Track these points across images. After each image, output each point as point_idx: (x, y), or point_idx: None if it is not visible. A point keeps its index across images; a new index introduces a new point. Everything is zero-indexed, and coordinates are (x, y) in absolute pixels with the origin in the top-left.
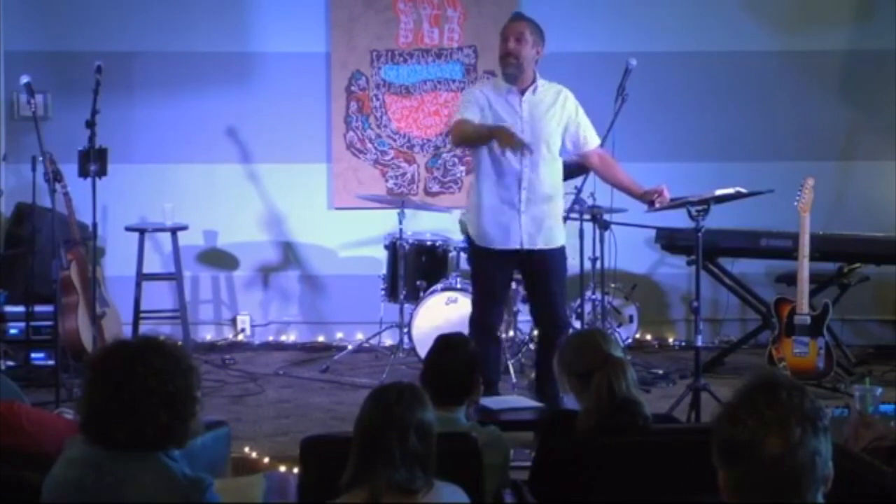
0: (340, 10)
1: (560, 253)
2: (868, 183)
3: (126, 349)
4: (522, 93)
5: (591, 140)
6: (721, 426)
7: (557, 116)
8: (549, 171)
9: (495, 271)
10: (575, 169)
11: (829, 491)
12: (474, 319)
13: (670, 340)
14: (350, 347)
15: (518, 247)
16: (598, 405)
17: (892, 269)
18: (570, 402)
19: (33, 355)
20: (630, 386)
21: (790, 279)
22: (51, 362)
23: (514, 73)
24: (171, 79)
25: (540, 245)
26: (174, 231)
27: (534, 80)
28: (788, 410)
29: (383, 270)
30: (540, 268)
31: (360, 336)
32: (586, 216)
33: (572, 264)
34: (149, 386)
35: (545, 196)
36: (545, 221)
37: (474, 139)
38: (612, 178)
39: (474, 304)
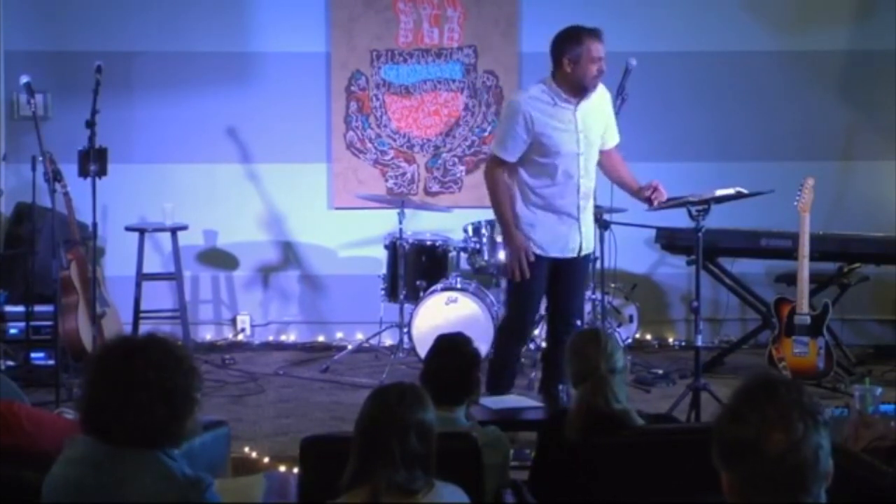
0: (340, 10)
1: (590, 257)
2: (868, 183)
3: (128, 344)
4: (577, 102)
5: (613, 139)
6: (722, 426)
7: (602, 117)
8: (595, 173)
9: (542, 277)
10: None
11: (828, 490)
12: (516, 325)
13: (670, 340)
14: (350, 347)
15: (575, 254)
16: (578, 416)
17: (892, 269)
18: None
19: (33, 355)
20: (612, 401)
21: (790, 279)
22: (51, 362)
23: (589, 91)
24: (171, 79)
25: (590, 249)
26: (174, 231)
27: None
28: (789, 406)
29: (383, 270)
30: (579, 270)
31: (360, 336)
32: None
33: None
34: (147, 380)
35: (591, 199)
36: (591, 224)
37: (501, 223)
38: (615, 176)
39: (516, 309)
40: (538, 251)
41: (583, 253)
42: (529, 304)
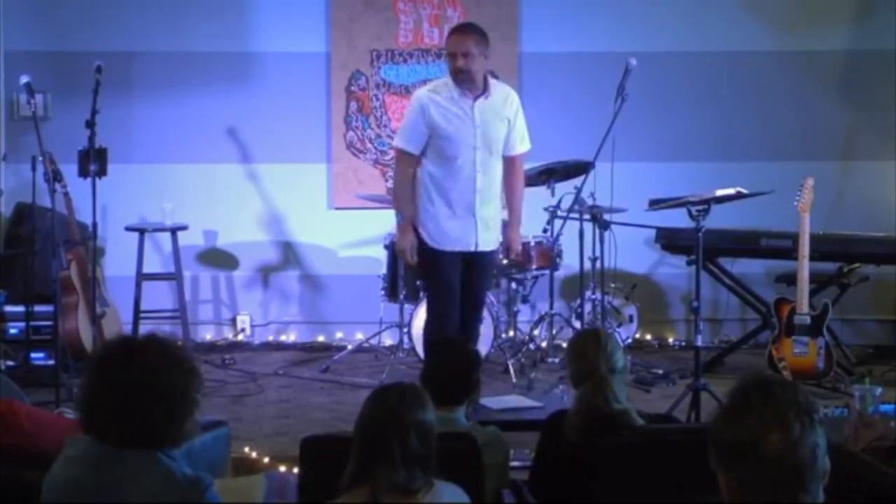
0: (340, 10)
1: (495, 253)
2: (868, 183)
3: (128, 344)
4: (475, 98)
5: (519, 146)
6: (719, 428)
7: (504, 119)
8: (496, 174)
9: (451, 271)
10: (573, 168)
11: (827, 489)
12: (443, 320)
13: (670, 340)
14: (350, 347)
15: (472, 249)
16: (578, 416)
17: (891, 269)
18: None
19: (33, 355)
20: (612, 401)
21: (790, 279)
22: (51, 362)
23: (468, 86)
24: (171, 79)
25: (489, 247)
26: (174, 231)
27: (486, 85)
28: (785, 406)
29: (383, 270)
30: (480, 267)
31: (360, 336)
32: (586, 216)
33: (572, 264)
34: (144, 382)
35: (493, 198)
36: (491, 223)
37: (397, 216)
38: (504, 189)
39: (438, 306)
40: (434, 245)
41: (479, 249)
42: (449, 297)
